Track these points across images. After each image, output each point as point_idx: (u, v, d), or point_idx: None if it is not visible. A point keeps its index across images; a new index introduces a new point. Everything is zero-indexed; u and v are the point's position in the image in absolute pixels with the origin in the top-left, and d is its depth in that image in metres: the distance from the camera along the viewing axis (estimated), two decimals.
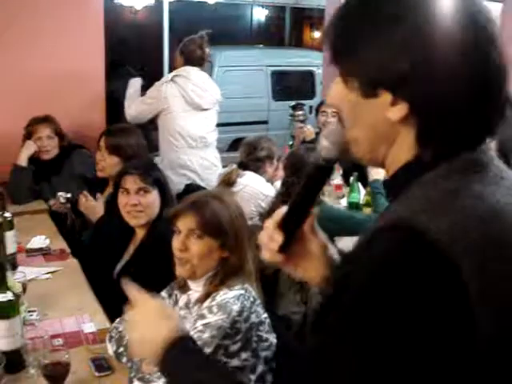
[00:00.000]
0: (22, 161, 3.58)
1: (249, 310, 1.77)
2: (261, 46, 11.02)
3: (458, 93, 0.82)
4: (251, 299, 1.81)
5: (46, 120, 3.68)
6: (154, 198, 2.51)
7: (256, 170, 3.50)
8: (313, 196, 1.02)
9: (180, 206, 1.95)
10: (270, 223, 1.04)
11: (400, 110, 0.85)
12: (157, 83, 4.00)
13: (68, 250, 2.90)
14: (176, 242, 1.90)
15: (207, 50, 4.00)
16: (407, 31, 0.82)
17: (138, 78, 4.14)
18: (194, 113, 3.96)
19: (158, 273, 2.31)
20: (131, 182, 2.50)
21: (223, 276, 1.86)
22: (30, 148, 3.61)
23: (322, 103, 4.68)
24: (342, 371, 0.77)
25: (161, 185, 2.54)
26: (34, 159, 3.66)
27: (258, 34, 13.27)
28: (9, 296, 1.83)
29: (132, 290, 1.31)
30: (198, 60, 3.99)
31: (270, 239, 1.03)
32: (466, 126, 0.85)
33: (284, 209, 1.03)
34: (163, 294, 2.04)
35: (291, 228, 1.03)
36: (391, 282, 0.76)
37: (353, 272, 0.80)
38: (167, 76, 4.04)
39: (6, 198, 2.71)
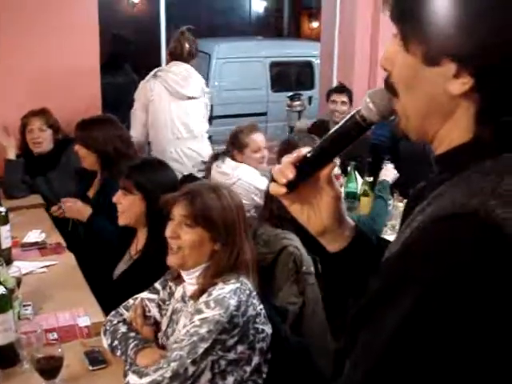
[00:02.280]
0: (10, 155, 3.58)
1: (246, 304, 1.77)
2: (259, 37, 10.97)
3: None
4: (247, 292, 1.80)
5: (40, 112, 3.68)
6: (131, 201, 2.44)
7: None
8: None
9: (174, 194, 1.94)
10: (288, 158, 0.99)
11: (463, 84, 0.78)
12: (141, 82, 4.02)
13: (64, 244, 2.88)
14: (168, 229, 1.89)
15: (187, 45, 3.93)
16: None
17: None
18: (178, 103, 3.94)
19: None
20: (120, 181, 2.50)
21: (216, 269, 1.85)
22: (9, 141, 3.61)
23: (331, 91, 4.66)
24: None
25: (144, 189, 2.43)
26: (28, 154, 3.64)
27: (257, 26, 13.22)
28: (1, 290, 1.82)
29: None
30: (179, 56, 3.96)
31: (280, 172, 0.99)
32: None
33: (306, 149, 1.00)
34: (157, 285, 2.03)
35: (306, 170, 0.99)
36: (471, 279, 0.68)
37: (410, 269, 0.72)
38: (149, 74, 4.02)
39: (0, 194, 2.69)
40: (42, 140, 3.65)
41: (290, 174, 0.98)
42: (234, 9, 12.92)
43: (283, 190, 0.99)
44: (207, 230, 1.85)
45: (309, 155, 0.99)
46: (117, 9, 9.95)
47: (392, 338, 0.72)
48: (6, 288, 1.84)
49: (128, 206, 2.44)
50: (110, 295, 2.38)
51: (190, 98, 3.98)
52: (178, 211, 1.88)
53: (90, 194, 3.18)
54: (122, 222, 2.48)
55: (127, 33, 9.85)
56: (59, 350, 1.75)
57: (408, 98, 0.85)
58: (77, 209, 3.01)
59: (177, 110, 3.96)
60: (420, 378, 0.69)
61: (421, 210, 0.80)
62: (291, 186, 1.00)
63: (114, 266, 2.58)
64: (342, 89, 4.62)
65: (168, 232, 1.90)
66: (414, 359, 0.70)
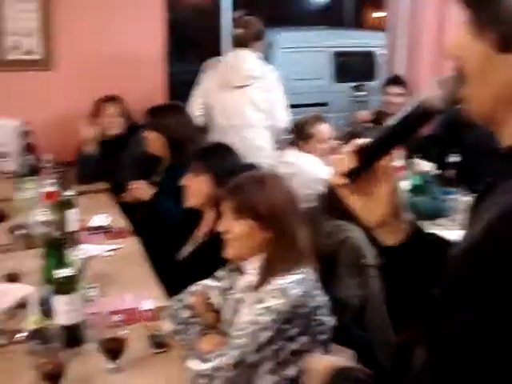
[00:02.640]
0: (88, 148, 3.64)
1: (309, 295, 1.75)
2: (322, 27, 10.85)
3: None
4: (311, 283, 1.79)
5: (114, 99, 3.77)
6: (200, 183, 2.48)
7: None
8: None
9: (222, 189, 1.96)
10: (348, 147, 0.99)
11: None
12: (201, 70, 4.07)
13: (129, 228, 2.94)
14: (220, 224, 1.93)
15: (241, 30, 3.90)
16: None
17: None
18: (228, 91, 3.90)
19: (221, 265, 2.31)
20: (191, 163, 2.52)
21: (274, 258, 1.84)
22: (90, 133, 3.67)
23: (387, 83, 4.57)
24: None
25: (213, 171, 2.48)
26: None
27: (319, 15, 13.09)
28: (69, 272, 1.87)
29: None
30: (234, 41, 3.97)
31: (340, 161, 0.99)
32: None
33: (367, 139, 0.99)
34: (220, 273, 2.04)
35: (367, 158, 0.99)
36: None
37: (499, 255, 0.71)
38: (208, 61, 4.05)
39: (69, 178, 2.75)
40: (114, 125, 3.73)
41: (351, 163, 0.97)
42: None
43: (343, 179, 0.98)
44: (255, 220, 1.85)
45: (369, 145, 0.98)
46: None
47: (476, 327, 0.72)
48: (73, 270, 1.89)
49: (197, 188, 2.48)
50: (174, 277, 2.41)
51: (239, 86, 3.92)
52: (227, 205, 1.91)
53: (156, 179, 3.23)
54: (190, 203, 2.52)
55: (191, 20, 9.90)
56: (123, 332, 1.79)
57: (479, 85, 0.83)
58: (142, 189, 3.08)
59: (229, 98, 3.94)
60: None
61: (490, 206, 0.79)
62: (351, 175, 0.99)
63: (179, 248, 2.62)
64: (397, 80, 4.52)
65: (220, 226, 1.93)
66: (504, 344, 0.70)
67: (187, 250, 2.59)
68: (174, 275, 2.44)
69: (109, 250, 2.66)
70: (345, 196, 1.04)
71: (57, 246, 1.96)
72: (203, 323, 1.92)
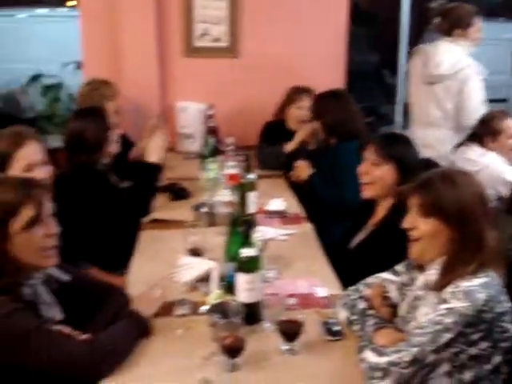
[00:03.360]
0: (289, 148, 3.63)
1: (495, 300, 1.67)
2: (501, 19, 10.20)
3: None
4: (497, 287, 1.71)
5: (307, 91, 3.78)
6: (383, 172, 2.43)
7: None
8: None
9: (410, 184, 1.91)
10: None
11: None
12: None
13: (303, 215, 2.99)
14: (405, 220, 1.88)
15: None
16: None
17: None
18: (422, 85, 3.88)
19: (393, 255, 2.28)
20: (368, 152, 2.49)
21: (458, 259, 1.76)
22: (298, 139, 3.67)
23: None
24: None
25: (398, 159, 2.42)
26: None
27: (498, 7, 12.29)
28: (253, 252, 1.94)
29: None
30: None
31: None
32: None
33: None
34: (399, 267, 2.00)
35: None
36: None
37: None
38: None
39: (251, 162, 2.83)
40: (307, 119, 3.76)
41: None
42: None
43: None
44: (442, 220, 1.78)
45: None
46: None
47: None
48: (256, 249, 1.96)
49: (378, 177, 2.43)
50: (346, 265, 2.43)
51: (428, 82, 3.84)
52: (413, 202, 1.85)
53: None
54: (368, 193, 2.48)
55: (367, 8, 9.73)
56: (301, 316, 1.83)
57: None
58: (302, 168, 3.18)
59: (419, 92, 3.91)
60: None
61: None
62: None
63: (352, 236, 2.62)
64: None
65: (405, 223, 1.88)
66: None
67: (359, 238, 2.59)
68: (345, 263, 2.45)
69: (283, 235, 2.72)
70: None
71: (242, 226, 2.04)
72: (379, 316, 1.90)
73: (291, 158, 3.47)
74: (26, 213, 1.74)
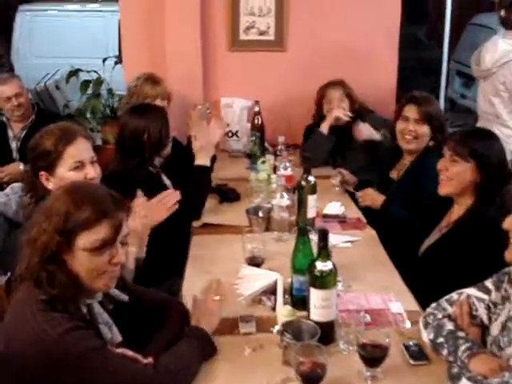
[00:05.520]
0: (324, 128, 3.51)
1: None
2: None
3: None
4: None
5: (338, 84, 3.61)
6: (461, 169, 2.26)
7: None
8: None
9: None
10: None
11: None
12: None
13: (364, 220, 2.79)
14: (507, 221, 1.68)
15: (501, 12, 3.63)
16: None
17: None
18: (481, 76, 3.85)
19: (471, 261, 2.09)
20: (446, 148, 2.32)
21: None
22: (330, 117, 3.53)
23: None
24: None
25: (480, 157, 2.24)
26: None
27: None
28: (329, 265, 1.75)
29: None
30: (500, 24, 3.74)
31: None
32: None
33: None
34: (489, 284, 1.79)
35: None
36: None
37: None
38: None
39: (305, 161, 2.65)
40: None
41: None
42: None
43: None
44: None
45: None
46: None
47: None
48: (333, 263, 1.77)
49: (457, 174, 2.27)
50: (414, 272, 2.27)
51: (484, 75, 3.76)
52: None
53: (394, 175, 3.02)
54: (445, 190, 2.33)
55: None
56: (387, 340, 1.63)
57: None
58: (370, 197, 2.90)
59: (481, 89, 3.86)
60: None
61: None
62: None
63: (420, 242, 2.45)
64: None
65: (506, 224, 1.67)
66: None
67: (429, 241, 2.41)
68: (413, 270, 2.29)
69: (346, 241, 2.52)
70: None
71: (309, 235, 1.86)
72: (471, 340, 1.69)
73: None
74: (100, 232, 1.52)
